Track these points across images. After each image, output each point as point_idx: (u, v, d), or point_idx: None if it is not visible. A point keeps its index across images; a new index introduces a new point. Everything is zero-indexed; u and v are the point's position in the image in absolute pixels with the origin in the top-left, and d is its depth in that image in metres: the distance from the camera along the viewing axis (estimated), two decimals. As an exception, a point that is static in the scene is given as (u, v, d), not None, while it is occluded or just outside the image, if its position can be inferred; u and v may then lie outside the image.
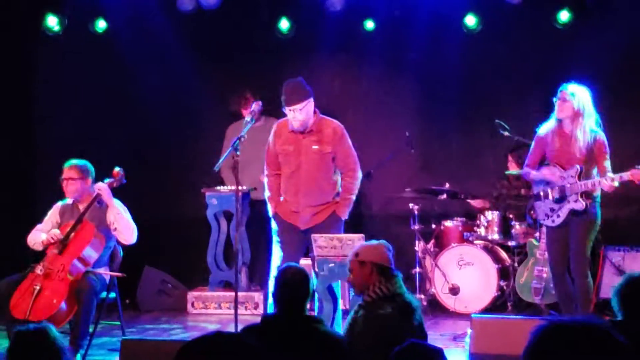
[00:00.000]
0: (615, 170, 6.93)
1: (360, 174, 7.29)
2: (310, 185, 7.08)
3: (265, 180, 7.35)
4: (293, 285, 4.18)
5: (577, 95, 6.88)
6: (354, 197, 7.22)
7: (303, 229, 7.12)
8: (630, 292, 4.05)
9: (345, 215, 7.16)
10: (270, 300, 6.84)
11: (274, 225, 7.30)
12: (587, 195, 6.89)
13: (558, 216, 6.99)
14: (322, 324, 4.06)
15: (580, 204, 6.86)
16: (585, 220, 6.91)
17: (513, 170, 8.65)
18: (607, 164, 6.90)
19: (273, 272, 7.02)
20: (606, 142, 6.94)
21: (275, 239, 7.27)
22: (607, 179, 6.75)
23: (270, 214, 7.29)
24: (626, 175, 6.74)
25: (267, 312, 7.01)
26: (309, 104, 7.04)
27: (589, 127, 6.88)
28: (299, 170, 7.09)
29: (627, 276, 4.25)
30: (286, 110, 7.06)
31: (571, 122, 6.90)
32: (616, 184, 6.77)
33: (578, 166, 6.86)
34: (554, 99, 6.96)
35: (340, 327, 6.40)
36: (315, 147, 7.08)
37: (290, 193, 7.14)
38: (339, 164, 7.17)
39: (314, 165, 7.08)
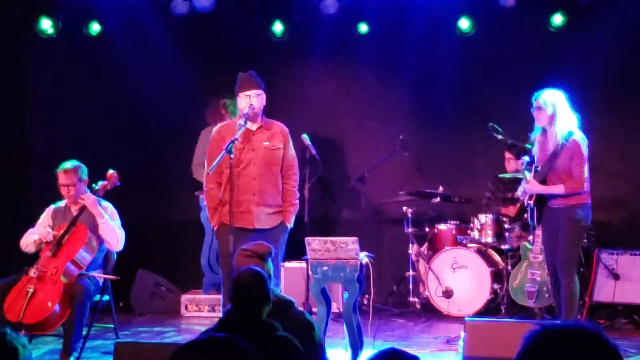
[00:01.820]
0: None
1: (298, 180, 7.16)
2: (263, 180, 6.88)
3: (206, 188, 7.02)
4: (249, 289, 4.16)
5: (549, 101, 6.90)
6: (298, 203, 7.11)
7: (257, 228, 6.85)
8: None
9: (291, 223, 6.98)
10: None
11: (217, 237, 6.98)
12: (566, 198, 6.90)
13: (532, 218, 7.09)
14: (279, 329, 4.04)
15: (530, 205, 7.01)
16: (570, 222, 6.90)
17: (512, 168, 8.67)
18: (580, 169, 6.82)
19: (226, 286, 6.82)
20: (582, 146, 6.85)
21: (224, 250, 6.78)
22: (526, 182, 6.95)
23: (214, 225, 6.96)
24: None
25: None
26: (263, 96, 6.94)
27: (561, 131, 6.88)
28: (249, 166, 6.86)
29: None
30: (241, 97, 6.89)
31: (549, 128, 6.94)
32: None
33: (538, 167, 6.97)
34: (531, 109, 6.99)
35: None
36: (266, 143, 6.91)
37: (240, 192, 6.81)
38: (284, 165, 6.99)
39: (265, 160, 6.89)
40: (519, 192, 7.19)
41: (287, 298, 4.92)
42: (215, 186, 6.95)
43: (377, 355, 2.67)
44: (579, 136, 6.90)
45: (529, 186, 6.93)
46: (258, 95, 6.89)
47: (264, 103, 6.99)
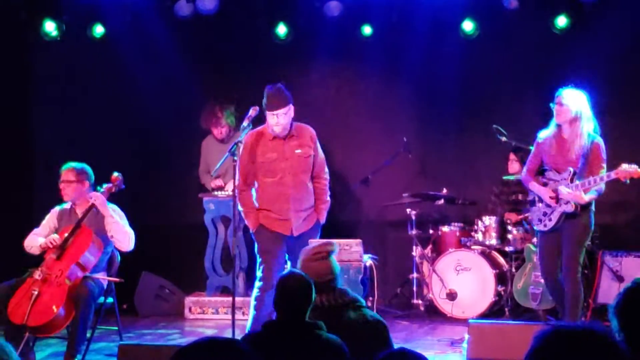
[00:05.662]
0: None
1: (329, 177, 7.30)
2: (298, 189, 7.01)
3: (238, 195, 7.04)
4: (295, 292, 4.17)
5: (574, 100, 6.86)
6: (329, 199, 7.23)
7: (296, 235, 6.99)
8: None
9: (324, 220, 7.17)
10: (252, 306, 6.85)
11: (257, 237, 7.03)
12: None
13: (550, 220, 6.92)
14: (324, 330, 4.06)
15: (570, 207, 6.80)
16: (579, 225, 6.86)
17: (514, 169, 8.67)
18: (602, 172, 6.81)
19: (257, 284, 6.90)
20: (603, 149, 6.87)
21: (265, 248, 6.99)
22: (575, 187, 6.73)
23: (252, 228, 7.05)
24: (613, 174, 6.71)
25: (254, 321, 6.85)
26: (291, 110, 6.97)
27: (587, 132, 6.85)
28: (286, 176, 6.99)
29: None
30: (268, 115, 6.95)
31: (569, 127, 6.87)
32: (586, 197, 6.76)
33: (571, 169, 6.81)
34: (552, 104, 6.93)
35: None
36: (298, 151, 7.02)
37: (278, 201, 6.98)
38: (316, 168, 7.14)
39: (299, 169, 7.03)
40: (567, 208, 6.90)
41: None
42: (247, 189, 7.08)
43: (385, 354, 2.66)
44: (600, 139, 6.89)
45: (577, 199, 6.77)
46: (285, 113, 6.91)
47: (292, 115, 7.00)
